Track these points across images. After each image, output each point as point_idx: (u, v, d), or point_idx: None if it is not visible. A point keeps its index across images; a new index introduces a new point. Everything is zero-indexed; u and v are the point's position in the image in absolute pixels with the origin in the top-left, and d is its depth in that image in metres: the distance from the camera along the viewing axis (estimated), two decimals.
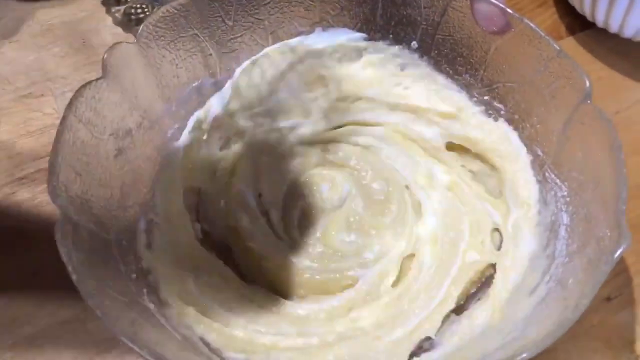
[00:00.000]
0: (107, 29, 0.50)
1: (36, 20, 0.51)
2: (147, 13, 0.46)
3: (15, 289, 0.38)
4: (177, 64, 0.39)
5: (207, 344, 0.33)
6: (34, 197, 0.42)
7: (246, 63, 0.42)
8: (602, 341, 0.38)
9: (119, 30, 0.50)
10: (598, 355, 0.37)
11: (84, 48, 0.50)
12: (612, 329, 0.38)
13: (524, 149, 0.38)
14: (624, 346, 0.38)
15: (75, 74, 0.48)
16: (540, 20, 0.53)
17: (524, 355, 0.25)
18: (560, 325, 0.26)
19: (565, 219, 0.34)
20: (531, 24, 0.36)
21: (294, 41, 0.42)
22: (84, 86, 0.33)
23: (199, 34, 0.39)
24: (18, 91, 0.47)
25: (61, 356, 0.36)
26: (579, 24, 0.53)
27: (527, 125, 0.38)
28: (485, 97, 0.41)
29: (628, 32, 0.48)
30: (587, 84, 0.33)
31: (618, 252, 0.27)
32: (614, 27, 0.48)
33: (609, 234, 0.29)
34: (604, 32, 0.50)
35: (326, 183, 0.44)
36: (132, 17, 0.48)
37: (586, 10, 0.50)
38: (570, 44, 0.52)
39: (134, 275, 0.32)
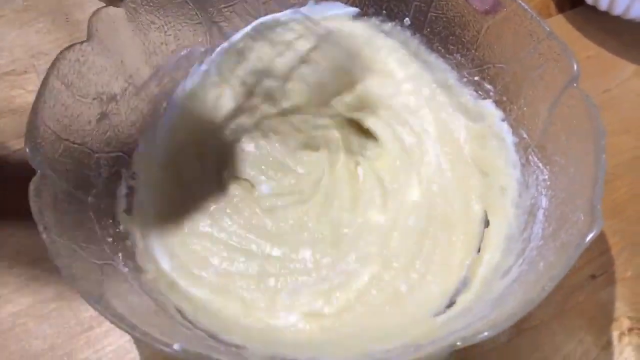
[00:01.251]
0: (92, 5, 0.49)
1: None
2: None
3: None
4: (165, 31, 0.39)
5: (180, 312, 0.33)
6: (18, 175, 0.41)
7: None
8: (587, 318, 0.38)
9: (103, 5, 0.49)
10: (583, 332, 0.37)
11: (67, 24, 0.49)
12: (595, 306, 0.39)
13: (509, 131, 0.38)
14: (607, 323, 0.38)
15: (58, 50, 0.46)
16: None
17: (485, 334, 0.25)
18: (524, 307, 0.26)
19: (544, 202, 0.34)
20: (522, 4, 0.36)
21: (285, 13, 0.42)
22: (67, 48, 0.33)
23: (188, 1, 0.39)
24: (1, 68, 0.47)
25: (45, 334, 0.36)
26: (568, 2, 0.53)
27: (515, 108, 0.38)
28: (476, 78, 0.40)
29: (617, 10, 0.47)
30: (575, 67, 0.33)
31: (589, 237, 0.27)
32: (603, 5, 0.48)
33: (582, 218, 0.28)
34: (593, 10, 0.50)
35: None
36: None
37: None
38: (560, 22, 0.52)
39: (110, 239, 0.33)
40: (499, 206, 0.37)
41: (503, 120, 0.39)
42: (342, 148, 0.43)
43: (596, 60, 0.49)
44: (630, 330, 0.38)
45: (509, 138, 0.38)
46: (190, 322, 0.32)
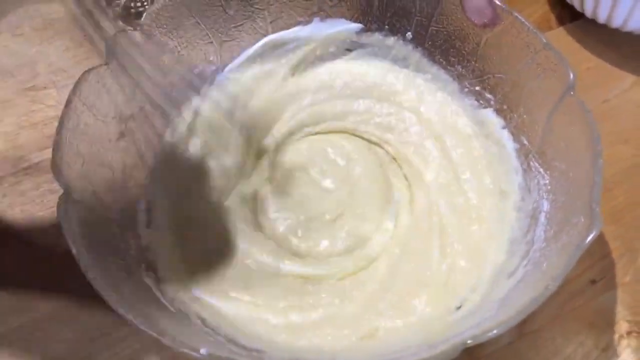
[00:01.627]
0: (107, 22, 0.51)
1: (39, 14, 0.52)
2: (146, 6, 0.46)
3: (21, 275, 0.39)
4: (178, 51, 0.41)
5: (202, 320, 0.34)
6: (38, 187, 0.43)
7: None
8: (587, 322, 0.39)
9: (119, 23, 0.51)
10: (582, 336, 0.38)
11: (85, 42, 0.51)
12: (595, 310, 0.40)
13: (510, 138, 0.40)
14: (607, 327, 0.39)
15: (77, 66, 0.49)
16: (532, 10, 0.54)
17: (494, 332, 0.27)
18: (529, 305, 0.27)
19: (545, 206, 0.36)
20: (520, 17, 0.37)
21: (292, 31, 0.44)
22: (88, 71, 0.35)
23: (200, 22, 0.41)
24: (21, 84, 0.48)
25: (65, 338, 0.37)
26: (568, 15, 0.54)
27: (515, 116, 0.39)
28: (477, 88, 0.42)
29: (616, 23, 0.49)
30: (571, 76, 0.35)
31: (589, 238, 0.29)
32: (602, 18, 0.49)
33: (582, 220, 0.30)
34: (592, 22, 0.51)
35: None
36: (132, 10, 0.49)
37: (575, 1, 0.51)
38: (560, 35, 0.53)
39: (132, 252, 0.34)
40: (501, 210, 0.38)
41: (504, 127, 0.40)
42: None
43: (595, 72, 0.51)
44: (629, 333, 0.39)
45: (510, 145, 0.40)
46: (211, 328, 0.34)
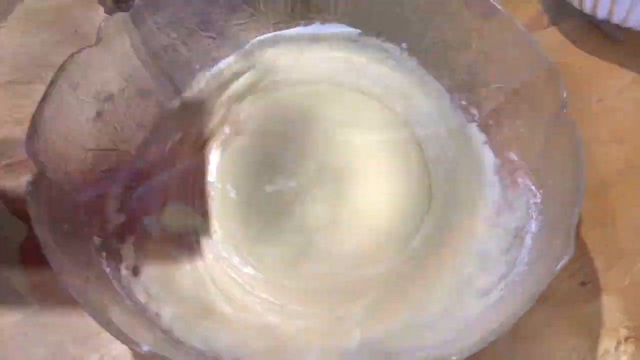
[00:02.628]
0: (98, 17, 0.49)
1: (24, 6, 0.50)
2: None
3: (1, 275, 0.38)
4: (177, 44, 0.41)
5: (158, 315, 0.33)
6: (21, 185, 0.40)
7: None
8: (583, 327, 0.38)
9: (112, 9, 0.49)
10: (579, 340, 0.37)
11: (76, 36, 0.49)
12: (591, 315, 0.38)
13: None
14: (603, 332, 0.38)
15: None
16: (524, 9, 0.53)
17: (453, 358, 0.26)
18: (493, 332, 0.26)
19: (533, 226, 0.34)
20: (521, 26, 0.37)
21: (294, 30, 0.44)
22: (77, 52, 0.35)
23: (200, 15, 0.41)
24: (3, 76, 0.46)
25: (48, 340, 0.36)
26: (562, 14, 0.53)
27: (505, 130, 0.38)
28: (463, 102, 0.41)
29: (616, 18, 0.47)
30: (565, 94, 0.34)
31: (560, 264, 0.27)
32: (602, 13, 0.47)
33: (559, 243, 0.29)
34: (586, 20, 0.50)
35: None
36: (123, 5, 0.48)
37: None
38: (553, 33, 0.52)
39: (95, 239, 0.34)
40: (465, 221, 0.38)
41: (485, 142, 0.39)
42: None
43: (590, 71, 0.50)
44: (626, 339, 0.37)
45: (490, 160, 0.39)
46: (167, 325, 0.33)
